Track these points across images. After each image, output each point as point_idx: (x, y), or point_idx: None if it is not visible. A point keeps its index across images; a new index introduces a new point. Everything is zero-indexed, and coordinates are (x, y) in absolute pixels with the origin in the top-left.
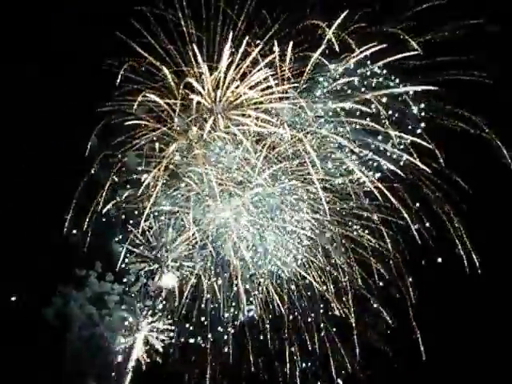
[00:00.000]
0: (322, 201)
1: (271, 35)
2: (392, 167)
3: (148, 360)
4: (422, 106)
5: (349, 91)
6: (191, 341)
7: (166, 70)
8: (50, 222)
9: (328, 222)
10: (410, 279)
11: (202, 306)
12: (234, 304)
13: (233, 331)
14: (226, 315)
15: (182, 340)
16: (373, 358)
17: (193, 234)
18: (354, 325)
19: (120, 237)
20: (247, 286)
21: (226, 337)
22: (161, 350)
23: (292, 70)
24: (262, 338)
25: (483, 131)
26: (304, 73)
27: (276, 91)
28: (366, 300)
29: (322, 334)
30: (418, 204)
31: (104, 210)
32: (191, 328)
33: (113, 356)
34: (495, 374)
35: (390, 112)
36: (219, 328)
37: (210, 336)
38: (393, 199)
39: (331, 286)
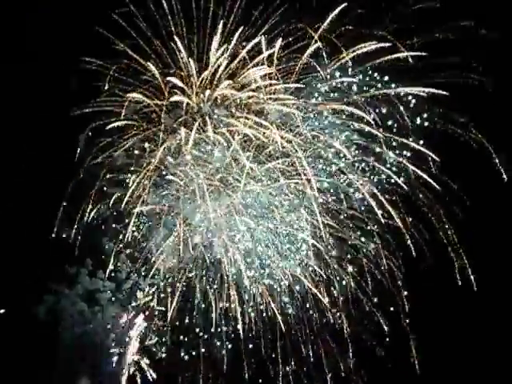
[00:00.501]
0: (312, 201)
1: (261, 35)
2: (386, 169)
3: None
4: (425, 115)
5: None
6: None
7: (155, 71)
8: (40, 220)
9: (317, 221)
10: (406, 292)
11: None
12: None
13: (230, 345)
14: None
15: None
16: (366, 359)
17: (184, 234)
18: (345, 326)
19: (110, 236)
20: (243, 294)
21: (220, 345)
22: (155, 351)
23: (282, 70)
24: (255, 340)
25: (470, 132)
26: (294, 73)
27: (265, 91)
28: (359, 301)
29: (316, 337)
30: (413, 206)
31: (92, 214)
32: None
33: (106, 353)
34: (490, 374)
35: (390, 122)
36: (214, 339)
37: (203, 350)
38: (385, 202)
39: (323, 289)
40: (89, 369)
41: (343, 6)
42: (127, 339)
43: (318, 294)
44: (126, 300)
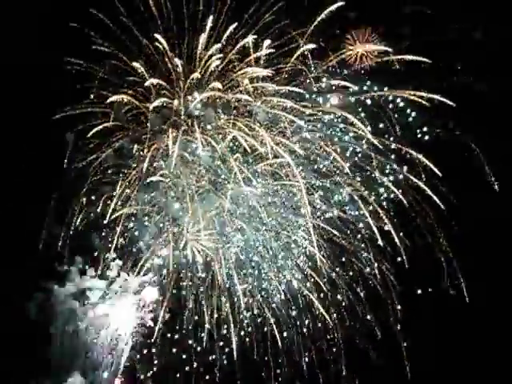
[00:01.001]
0: (302, 203)
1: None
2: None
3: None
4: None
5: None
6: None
7: (144, 72)
8: (30, 219)
9: (307, 223)
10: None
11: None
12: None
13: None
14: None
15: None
16: (359, 362)
17: (173, 235)
18: (334, 326)
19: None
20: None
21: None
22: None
23: (275, 71)
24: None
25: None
26: (283, 75)
27: (254, 93)
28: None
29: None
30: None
31: (81, 215)
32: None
33: (98, 351)
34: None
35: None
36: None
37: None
38: (379, 209)
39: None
40: (81, 366)
41: (334, 6)
42: (120, 337)
43: (311, 295)
44: (116, 298)
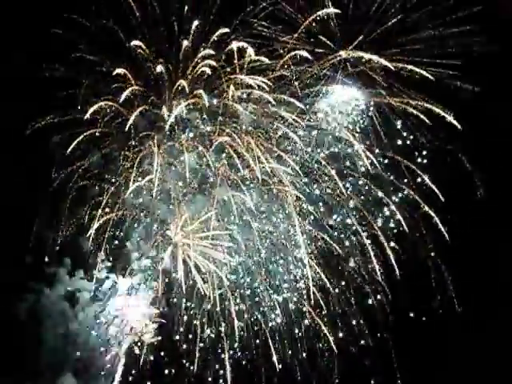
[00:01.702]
0: (288, 209)
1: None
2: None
3: None
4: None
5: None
6: None
7: (130, 78)
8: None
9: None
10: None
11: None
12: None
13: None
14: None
15: None
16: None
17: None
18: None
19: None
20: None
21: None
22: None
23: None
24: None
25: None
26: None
27: (236, 97)
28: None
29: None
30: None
31: (66, 225)
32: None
33: (89, 352)
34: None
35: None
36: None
37: None
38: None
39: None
40: (73, 367)
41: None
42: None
43: (307, 305)
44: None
